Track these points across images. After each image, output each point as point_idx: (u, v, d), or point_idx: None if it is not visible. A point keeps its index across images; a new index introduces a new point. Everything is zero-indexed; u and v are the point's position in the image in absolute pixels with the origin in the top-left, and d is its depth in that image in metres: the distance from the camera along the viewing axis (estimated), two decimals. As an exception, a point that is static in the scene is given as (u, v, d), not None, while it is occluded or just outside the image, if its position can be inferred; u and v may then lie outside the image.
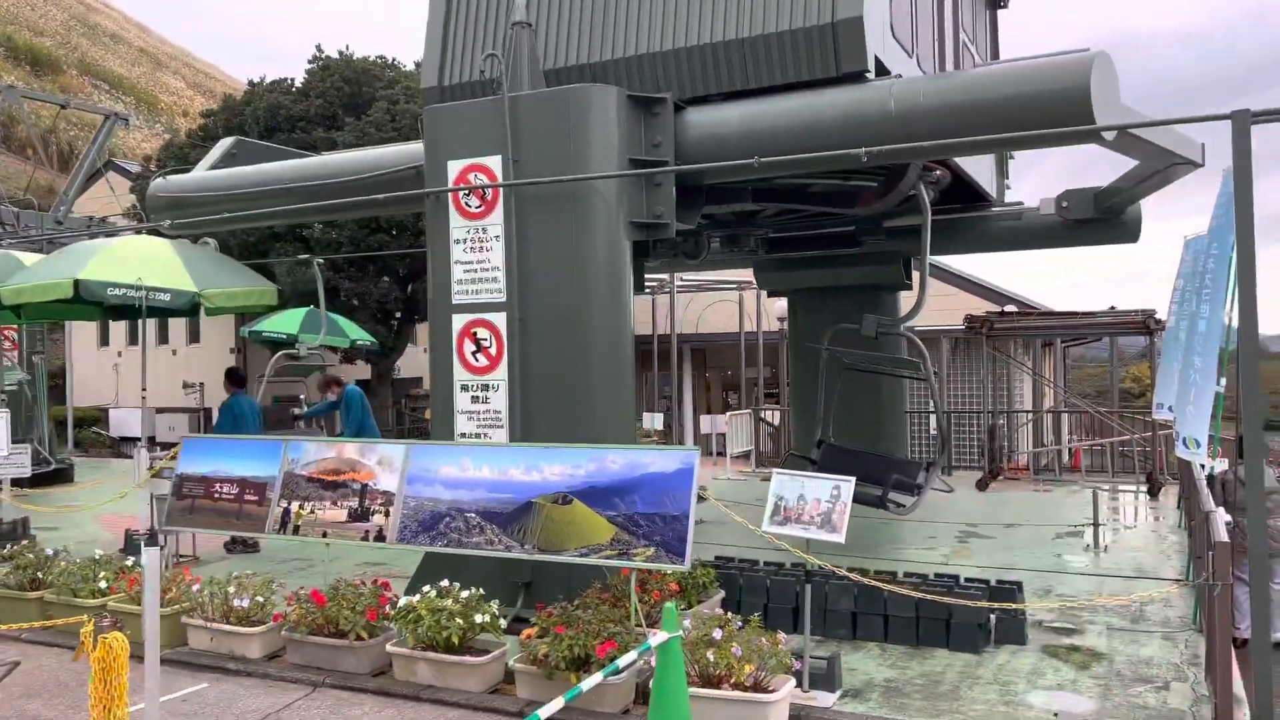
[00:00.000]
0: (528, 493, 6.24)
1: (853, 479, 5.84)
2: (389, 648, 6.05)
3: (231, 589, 6.63)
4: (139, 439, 25.75)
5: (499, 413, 7.37)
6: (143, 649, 4.61)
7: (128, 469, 20.36)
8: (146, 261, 8.91)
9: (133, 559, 7.40)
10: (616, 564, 5.94)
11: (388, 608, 6.24)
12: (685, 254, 9.95)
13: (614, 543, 5.93)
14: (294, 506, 6.94)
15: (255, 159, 10.18)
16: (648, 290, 19.00)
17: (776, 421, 18.67)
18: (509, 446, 6.63)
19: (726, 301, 21.99)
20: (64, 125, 34.04)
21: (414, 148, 8.76)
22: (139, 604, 6.80)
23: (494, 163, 7.39)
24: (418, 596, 6.06)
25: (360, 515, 6.71)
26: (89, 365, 28.10)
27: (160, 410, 24.92)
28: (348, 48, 22.92)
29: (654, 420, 19.30)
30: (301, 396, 20.43)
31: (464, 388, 7.51)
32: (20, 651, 6.82)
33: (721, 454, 17.89)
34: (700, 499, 6.11)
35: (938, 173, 9.17)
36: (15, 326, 16.00)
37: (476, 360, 7.46)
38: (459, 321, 7.52)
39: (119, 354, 27.83)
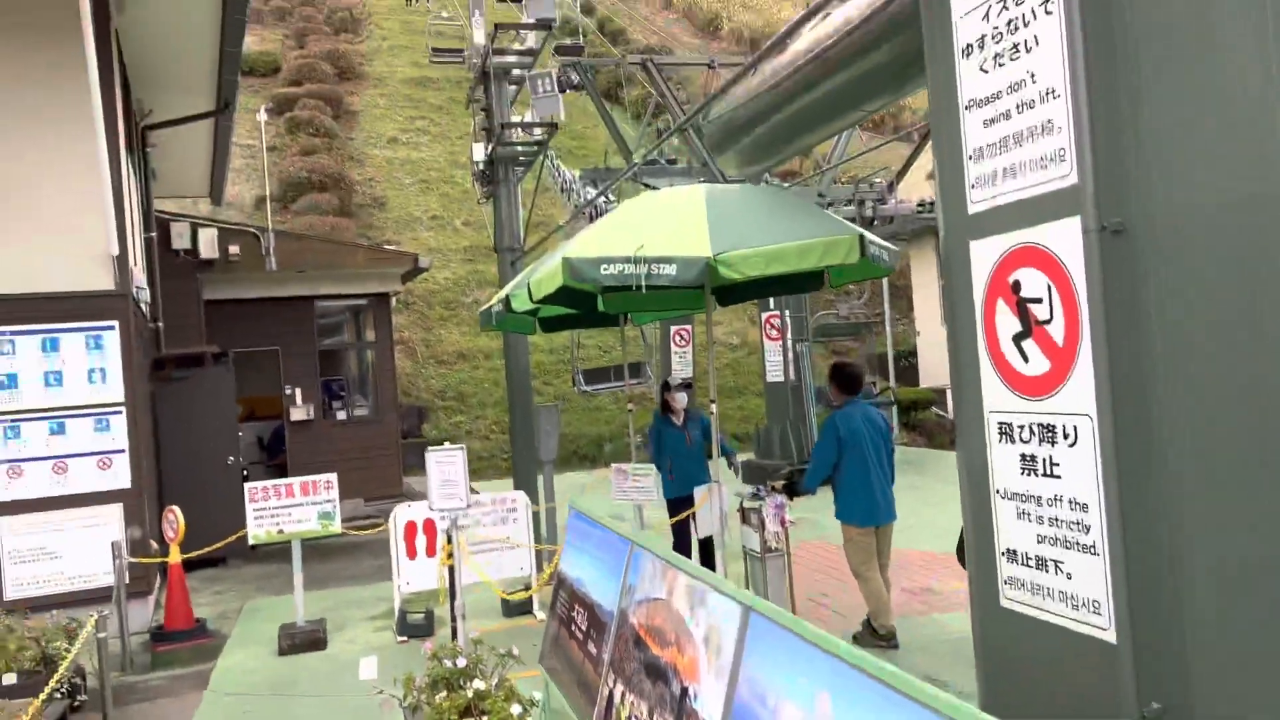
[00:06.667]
0: None
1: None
2: None
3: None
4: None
5: (1083, 508, 2.57)
6: None
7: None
8: (655, 221, 6.08)
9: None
10: None
11: None
12: None
13: None
14: (618, 692, 3.33)
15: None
16: None
17: None
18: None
19: None
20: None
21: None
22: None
23: None
24: None
25: (680, 750, 2.81)
26: (932, 345, 26.89)
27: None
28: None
29: None
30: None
31: (1002, 431, 2.88)
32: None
33: None
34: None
35: None
36: (686, 326, 14.49)
37: (1022, 356, 2.78)
38: (984, 256, 2.93)
39: (960, 330, 25.95)
